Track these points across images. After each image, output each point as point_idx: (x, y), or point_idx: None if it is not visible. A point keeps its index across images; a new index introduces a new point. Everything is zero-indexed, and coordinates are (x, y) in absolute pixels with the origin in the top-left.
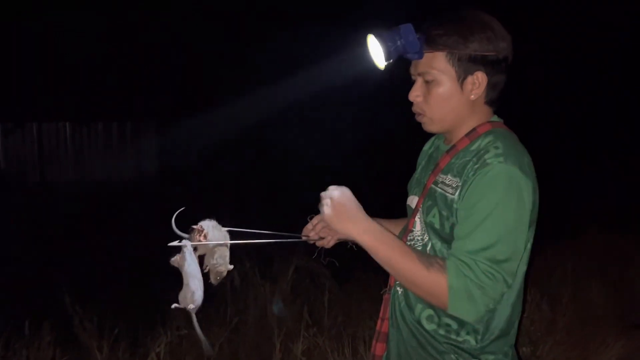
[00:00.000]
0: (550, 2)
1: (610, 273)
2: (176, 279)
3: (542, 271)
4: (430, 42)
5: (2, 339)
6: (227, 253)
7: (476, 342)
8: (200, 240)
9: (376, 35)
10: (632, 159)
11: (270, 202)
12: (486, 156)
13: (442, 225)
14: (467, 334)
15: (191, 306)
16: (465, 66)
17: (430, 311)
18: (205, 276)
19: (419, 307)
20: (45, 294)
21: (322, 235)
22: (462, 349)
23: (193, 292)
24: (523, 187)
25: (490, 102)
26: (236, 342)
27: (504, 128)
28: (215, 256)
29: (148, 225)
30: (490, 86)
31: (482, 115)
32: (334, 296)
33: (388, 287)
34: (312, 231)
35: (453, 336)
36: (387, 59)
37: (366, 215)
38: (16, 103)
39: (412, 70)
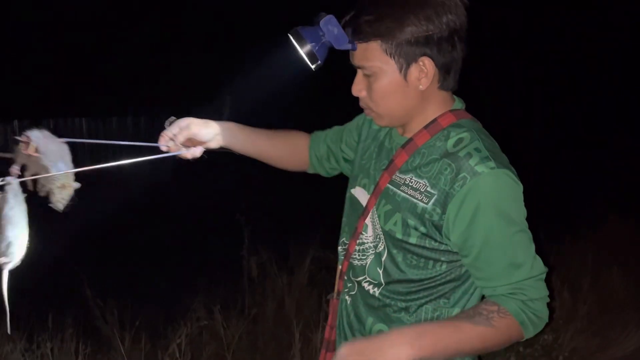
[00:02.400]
0: (553, 1)
1: (630, 261)
2: (195, 271)
3: (562, 259)
4: (359, 33)
5: (26, 332)
6: (70, 167)
7: None
8: (29, 156)
9: (294, 36)
10: None
11: (284, 200)
12: (471, 162)
13: (406, 234)
14: None
15: (3, 259)
16: (406, 53)
17: (382, 326)
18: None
19: (369, 320)
20: (67, 287)
21: (186, 145)
22: None
23: (9, 242)
24: (520, 187)
25: (444, 86)
26: (255, 333)
27: (469, 118)
28: (53, 172)
29: (165, 219)
30: (443, 69)
31: (440, 102)
32: None
33: (336, 292)
34: (171, 141)
35: None
36: (313, 61)
37: (383, 335)
38: (32, 100)
39: (351, 60)
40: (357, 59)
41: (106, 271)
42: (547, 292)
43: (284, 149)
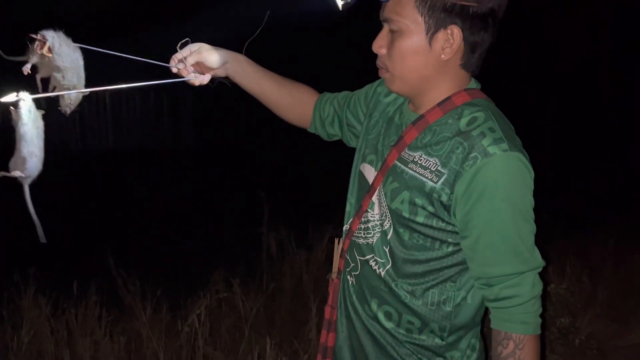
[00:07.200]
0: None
1: None
2: (216, 246)
3: (583, 244)
4: None
5: (52, 299)
6: (82, 72)
7: (442, 339)
8: (43, 55)
9: None
10: None
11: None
12: (484, 142)
13: (413, 213)
14: (432, 331)
15: (18, 173)
16: (438, 17)
17: (388, 308)
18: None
19: (375, 302)
20: (91, 257)
21: (195, 69)
22: (425, 347)
23: (24, 158)
24: (531, 174)
25: (467, 66)
26: (272, 307)
27: (484, 98)
28: (69, 75)
29: (187, 192)
30: (469, 46)
31: (457, 80)
32: None
33: (336, 271)
34: (181, 63)
35: (415, 335)
36: None
37: None
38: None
39: (380, 14)
40: (387, 10)
41: (129, 242)
42: (541, 288)
43: (288, 99)
